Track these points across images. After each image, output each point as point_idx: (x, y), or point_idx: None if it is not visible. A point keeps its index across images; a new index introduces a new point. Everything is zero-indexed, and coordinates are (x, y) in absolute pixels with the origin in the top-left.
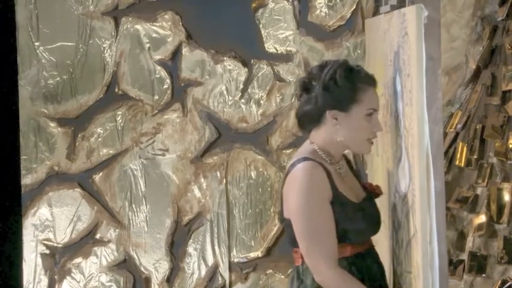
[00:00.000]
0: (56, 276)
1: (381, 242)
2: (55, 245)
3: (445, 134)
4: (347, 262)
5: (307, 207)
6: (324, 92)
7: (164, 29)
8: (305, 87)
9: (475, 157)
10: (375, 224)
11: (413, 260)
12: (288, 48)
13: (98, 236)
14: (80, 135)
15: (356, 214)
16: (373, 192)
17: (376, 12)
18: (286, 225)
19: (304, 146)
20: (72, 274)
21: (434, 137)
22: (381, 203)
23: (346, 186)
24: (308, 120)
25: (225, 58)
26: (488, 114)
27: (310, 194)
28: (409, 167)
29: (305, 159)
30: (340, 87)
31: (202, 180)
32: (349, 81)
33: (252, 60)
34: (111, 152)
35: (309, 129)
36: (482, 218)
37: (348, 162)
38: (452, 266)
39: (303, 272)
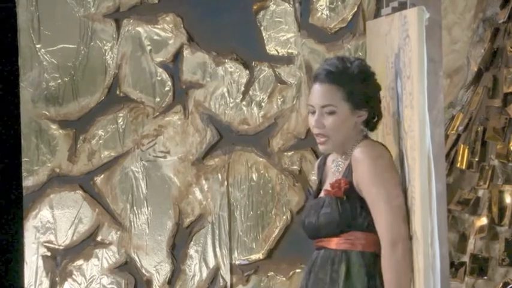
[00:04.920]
0: (57, 279)
1: None
2: (56, 247)
3: (447, 136)
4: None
5: None
6: None
7: (165, 31)
8: None
9: (477, 159)
10: (305, 223)
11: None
12: (290, 51)
13: (99, 238)
14: (81, 138)
15: (304, 209)
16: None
17: (377, 15)
18: None
19: None
20: (74, 276)
21: (435, 139)
22: None
23: (329, 182)
24: None
25: (226, 60)
26: (489, 116)
27: None
28: (407, 169)
29: None
30: None
31: (204, 182)
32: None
33: (254, 63)
34: (112, 154)
35: None
36: (483, 220)
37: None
38: (454, 268)
39: None
